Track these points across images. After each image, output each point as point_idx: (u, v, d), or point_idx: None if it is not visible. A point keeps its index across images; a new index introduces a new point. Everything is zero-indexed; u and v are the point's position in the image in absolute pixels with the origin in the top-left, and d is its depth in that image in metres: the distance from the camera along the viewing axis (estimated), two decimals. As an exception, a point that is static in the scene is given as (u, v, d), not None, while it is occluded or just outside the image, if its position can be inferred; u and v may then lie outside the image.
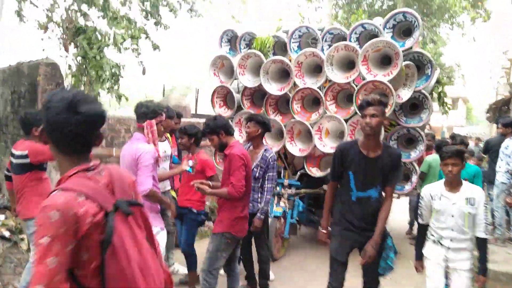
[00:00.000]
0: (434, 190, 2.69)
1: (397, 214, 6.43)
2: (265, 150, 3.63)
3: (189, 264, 3.73)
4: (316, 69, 4.92)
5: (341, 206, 2.72)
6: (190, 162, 3.37)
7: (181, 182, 3.93)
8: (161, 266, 1.41)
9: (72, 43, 3.95)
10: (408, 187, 4.63)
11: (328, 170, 4.56)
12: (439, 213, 2.61)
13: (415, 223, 5.92)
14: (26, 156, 2.95)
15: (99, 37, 3.57)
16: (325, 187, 5.06)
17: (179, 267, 4.23)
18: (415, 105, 4.79)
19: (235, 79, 5.23)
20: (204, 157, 3.69)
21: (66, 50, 4.10)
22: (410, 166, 4.63)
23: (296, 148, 4.86)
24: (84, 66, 3.68)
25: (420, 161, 4.82)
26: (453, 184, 2.60)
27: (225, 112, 5.27)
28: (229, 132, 3.11)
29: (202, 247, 3.56)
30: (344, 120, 4.53)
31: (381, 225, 2.60)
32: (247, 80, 5.06)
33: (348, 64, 4.72)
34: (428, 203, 2.68)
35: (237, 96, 5.21)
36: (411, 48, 4.67)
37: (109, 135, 4.70)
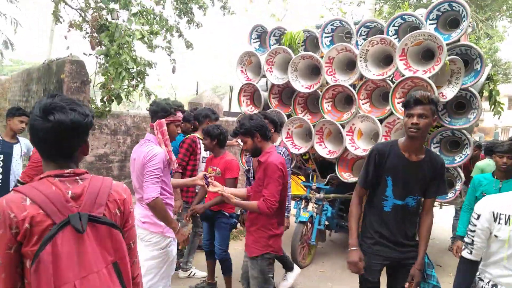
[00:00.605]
0: (500, 206, 1.71)
1: (437, 219, 5.89)
2: (276, 147, 3.29)
3: (224, 269, 3.60)
4: (349, 65, 4.58)
5: (372, 217, 2.36)
6: (213, 172, 3.14)
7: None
8: None
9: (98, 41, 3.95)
10: (451, 195, 4.16)
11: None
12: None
13: None
14: None
15: (121, 34, 3.51)
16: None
17: (196, 271, 4.10)
18: (462, 105, 4.29)
19: (263, 77, 5.01)
20: (229, 158, 3.52)
21: (92, 48, 4.11)
22: (454, 172, 4.16)
23: (326, 150, 4.54)
24: (105, 63, 3.65)
25: (465, 166, 4.33)
26: None
27: (252, 111, 5.08)
28: (266, 136, 2.74)
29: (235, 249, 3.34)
30: (379, 120, 4.15)
31: (424, 245, 2.29)
32: (275, 77, 4.82)
33: (385, 60, 4.32)
34: (487, 227, 1.73)
35: (264, 94, 4.99)
36: (458, 41, 4.17)
37: (134, 133, 4.68)
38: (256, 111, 5.04)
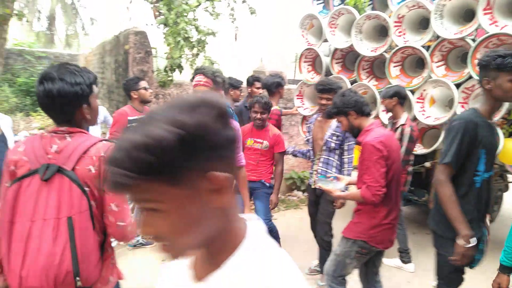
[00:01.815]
0: None
1: None
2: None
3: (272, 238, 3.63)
4: (422, 23, 4.09)
5: (464, 198, 2.04)
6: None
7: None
8: (59, 257, 1.25)
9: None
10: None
11: (434, 146, 3.87)
12: None
13: None
14: None
15: (179, 3, 3.53)
16: (427, 164, 4.35)
17: None
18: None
19: (325, 41, 4.73)
20: (276, 132, 3.47)
21: (154, 17, 4.22)
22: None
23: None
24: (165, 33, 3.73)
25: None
26: None
27: (313, 78, 4.87)
28: (363, 112, 2.41)
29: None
30: (455, 85, 3.70)
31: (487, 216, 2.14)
32: (338, 40, 4.51)
33: (465, 15, 3.78)
34: None
35: (326, 60, 4.73)
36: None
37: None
38: (317, 78, 4.83)
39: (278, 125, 4.00)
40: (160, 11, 3.76)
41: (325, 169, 3.25)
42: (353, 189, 2.49)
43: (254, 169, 3.44)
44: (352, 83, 4.49)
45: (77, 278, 1.27)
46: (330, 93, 3.08)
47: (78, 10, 22.76)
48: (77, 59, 10.93)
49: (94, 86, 1.48)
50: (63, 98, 1.35)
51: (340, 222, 3.21)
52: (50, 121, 8.76)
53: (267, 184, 3.50)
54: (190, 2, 3.67)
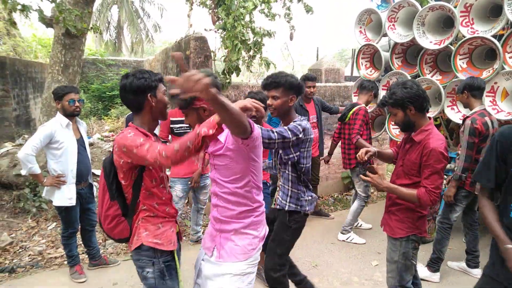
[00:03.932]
0: None
1: None
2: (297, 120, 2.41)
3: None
4: (493, 11, 3.79)
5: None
6: None
7: None
8: None
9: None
10: None
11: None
12: None
13: None
14: None
15: (236, 7, 3.65)
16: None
17: (355, 236, 4.21)
18: None
19: (384, 36, 4.57)
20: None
21: (213, 23, 4.40)
22: None
23: (459, 114, 3.97)
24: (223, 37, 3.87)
25: None
26: None
27: (371, 74, 4.73)
28: (423, 109, 2.27)
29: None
30: (533, 76, 3.39)
31: None
32: (398, 35, 4.34)
33: (545, -1, 3.44)
34: None
35: (385, 55, 4.57)
36: None
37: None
38: (376, 74, 4.69)
39: (366, 122, 4.21)
40: (218, 16, 3.91)
41: (282, 184, 2.49)
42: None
43: None
44: (414, 77, 4.29)
45: None
46: (278, 89, 2.32)
47: (143, 19, 24.35)
48: (142, 65, 11.68)
49: (159, 83, 1.81)
50: (132, 89, 1.75)
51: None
52: (119, 124, 9.40)
53: (267, 183, 3.41)
54: (246, 5, 3.76)
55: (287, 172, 2.41)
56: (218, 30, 4.01)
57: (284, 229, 2.46)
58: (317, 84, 5.10)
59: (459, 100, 3.47)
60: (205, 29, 4.31)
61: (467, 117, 3.28)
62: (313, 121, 4.66)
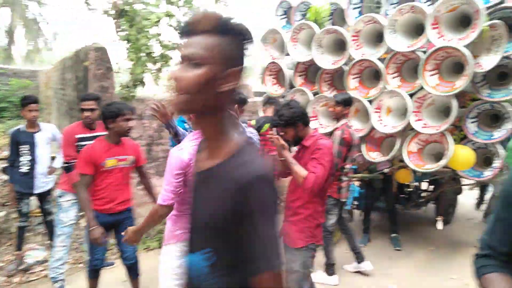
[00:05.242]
0: None
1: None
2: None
3: None
4: (379, 37, 4.30)
5: None
6: None
7: None
8: None
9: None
10: (488, 173, 3.85)
11: (391, 154, 4.02)
12: None
13: None
14: None
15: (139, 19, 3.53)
16: (385, 170, 4.50)
17: None
18: (504, 75, 3.90)
19: (287, 55, 4.86)
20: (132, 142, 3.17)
21: (117, 33, 4.19)
22: (492, 148, 3.83)
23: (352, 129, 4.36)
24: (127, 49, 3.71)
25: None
26: None
27: (277, 91, 4.97)
28: (308, 123, 2.56)
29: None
30: (409, 95, 3.89)
31: None
32: (299, 54, 4.65)
33: (417, 30, 4.01)
34: None
35: (289, 73, 4.85)
36: (501, 2, 3.77)
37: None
38: (281, 91, 4.93)
39: None
40: (122, 27, 3.74)
41: None
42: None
43: (122, 194, 2.91)
44: (314, 94, 4.62)
45: None
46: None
47: (40, 26, 22.15)
48: (37, 75, 10.55)
49: None
50: None
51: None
52: (6, 140, 8.19)
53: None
54: (150, 17, 3.66)
55: None
56: (121, 41, 3.83)
57: None
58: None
59: (335, 111, 3.61)
60: (108, 40, 4.08)
61: (336, 128, 3.51)
62: None
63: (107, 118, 2.66)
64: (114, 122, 2.66)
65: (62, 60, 6.06)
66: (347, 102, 3.58)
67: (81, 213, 3.37)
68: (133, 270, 2.96)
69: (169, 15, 3.85)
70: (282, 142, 2.45)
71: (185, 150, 2.00)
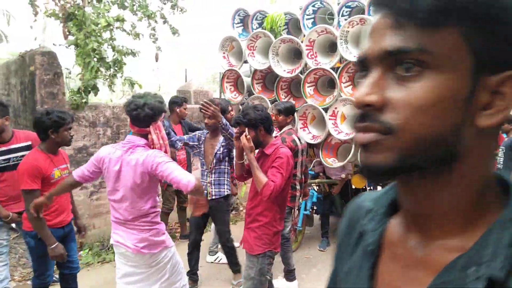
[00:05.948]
0: None
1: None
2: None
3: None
4: (331, 47, 4.46)
5: None
6: None
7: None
8: None
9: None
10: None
11: (347, 159, 4.15)
12: None
13: None
14: None
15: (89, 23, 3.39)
16: (342, 175, 4.65)
17: (223, 256, 4.12)
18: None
19: (245, 62, 4.89)
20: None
21: (65, 38, 4.00)
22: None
23: (310, 135, 4.47)
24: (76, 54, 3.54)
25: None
26: None
27: (236, 98, 4.98)
28: (270, 130, 2.63)
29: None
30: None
31: None
32: (257, 62, 4.70)
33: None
34: None
35: (247, 80, 4.88)
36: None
37: (114, 124, 4.61)
38: (240, 98, 4.95)
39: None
40: (70, 31, 3.57)
41: (218, 178, 3.42)
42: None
43: (67, 203, 2.86)
44: (272, 102, 4.68)
45: None
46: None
47: (-18, 25, 20.65)
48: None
49: None
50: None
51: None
52: None
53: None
54: (100, 21, 3.53)
55: (222, 167, 3.39)
56: (69, 45, 3.66)
57: (223, 213, 3.53)
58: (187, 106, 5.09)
59: (277, 120, 3.63)
60: (54, 44, 3.88)
61: (275, 137, 3.59)
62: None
63: (49, 128, 2.52)
64: (56, 133, 2.53)
65: (4, 64, 5.68)
66: (288, 110, 3.65)
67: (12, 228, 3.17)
68: (73, 278, 2.87)
69: (119, 19, 3.74)
70: (252, 144, 2.47)
71: (107, 149, 2.33)
